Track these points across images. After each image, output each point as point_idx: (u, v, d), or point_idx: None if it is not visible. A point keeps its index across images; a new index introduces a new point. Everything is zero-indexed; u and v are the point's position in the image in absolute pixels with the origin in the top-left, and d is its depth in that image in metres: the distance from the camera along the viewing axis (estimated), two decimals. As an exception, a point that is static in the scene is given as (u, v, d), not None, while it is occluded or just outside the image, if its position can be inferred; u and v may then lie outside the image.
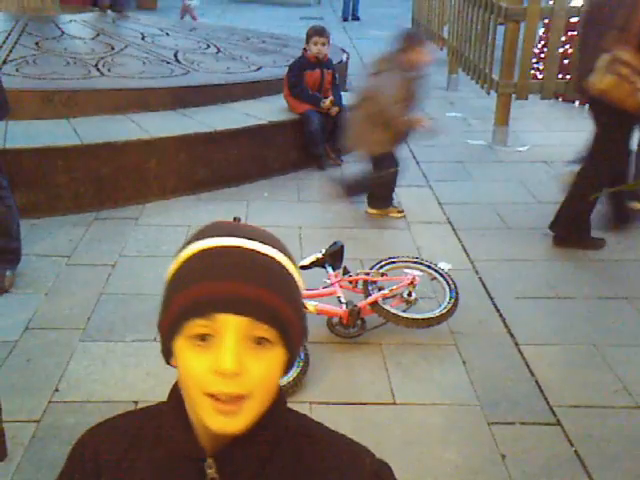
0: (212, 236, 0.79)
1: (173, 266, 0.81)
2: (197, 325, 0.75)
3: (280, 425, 0.84)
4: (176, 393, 0.84)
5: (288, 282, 0.80)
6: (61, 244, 3.80)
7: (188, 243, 0.81)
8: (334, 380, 2.74)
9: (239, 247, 0.77)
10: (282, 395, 0.85)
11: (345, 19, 12.85)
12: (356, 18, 12.85)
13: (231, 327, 0.75)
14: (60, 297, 3.27)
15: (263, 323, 0.75)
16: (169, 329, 0.78)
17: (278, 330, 0.77)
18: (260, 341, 0.76)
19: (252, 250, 0.78)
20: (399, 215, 4.32)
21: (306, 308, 2.91)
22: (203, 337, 0.76)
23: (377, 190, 4.31)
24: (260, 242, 0.79)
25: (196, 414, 0.79)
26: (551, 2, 5.65)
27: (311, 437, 0.87)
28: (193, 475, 0.81)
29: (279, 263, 0.79)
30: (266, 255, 0.78)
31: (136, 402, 2.54)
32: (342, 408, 2.58)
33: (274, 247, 0.80)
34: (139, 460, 0.85)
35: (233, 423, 0.77)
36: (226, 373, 0.74)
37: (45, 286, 3.36)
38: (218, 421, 0.76)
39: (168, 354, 0.81)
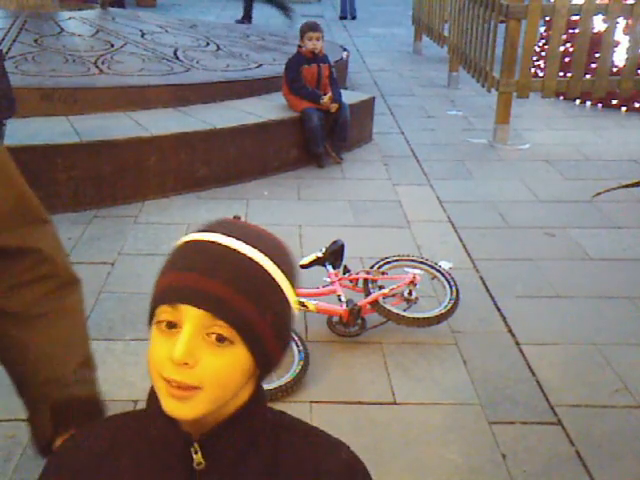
0: (205, 231, 0.81)
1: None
2: (164, 312, 0.78)
3: (259, 416, 0.87)
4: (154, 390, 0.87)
5: (264, 287, 0.79)
6: (60, 242, 3.78)
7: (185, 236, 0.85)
8: (334, 379, 2.73)
9: (219, 244, 0.79)
10: (262, 392, 0.88)
11: (343, 17, 12.80)
12: (353, 17, 12.79)
13: (190, 318, 0.77)
14: (59, 295, 3.26)
15: (222, 320, 0.77)
16: (149, 315, 0.82)
17: (237, 330, 0.77)
18: (220, 338, 0.77)
19: (231, 249, 0.79)
20: None
21: (306, 307, 2.90)
22: (171, 324, 0.78)
23: None
24: (246, 243, 0.79)
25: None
26: (552, 0, 5.63)
27: (289, 428, 0.90)
28: (179, 463, 0.83)
29: (261, 267, 0.79)
30: (246, 256, 0.79)
31: (135, 401, 2.53)
32: (342, 408, 2.57)
33: (264, 252, 0.80)
34: (122, 458, 0.87)
35: (184, 409, 0.79)
36: (175, 362, 0.77)
37: (44, 284, 3.35)
38: (169, 404, 0.80)
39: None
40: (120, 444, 0.88)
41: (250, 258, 0.79)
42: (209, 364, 0.77)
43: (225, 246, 0.79)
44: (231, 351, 0.78)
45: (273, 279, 0.80)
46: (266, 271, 0.79)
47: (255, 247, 0.80)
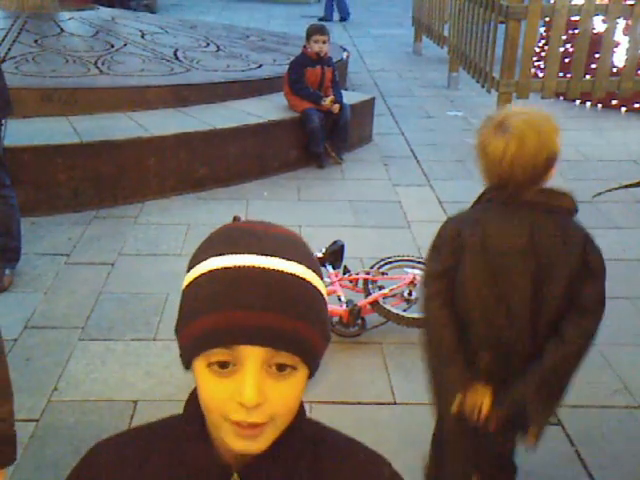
0: (234, 252, 0.75)
1: (192, 275, 0.78)
2: (217, 353, 0.75)
3: (301, 438, 0.84)
4: (193, 407, 0.82)
5: (313, 301, 0.77)
6: (60, 243, 3.79)
7: (206, 249, 0.78)
8: (334, 380, 2.73)
9: (262, 269, 0.74)
10: (302, 407, 0.84)
11: (342, 19, 12.77)
12: (344, 19, 12.66)
13: (252, 357, 0.74)
14: (59, 296, 3.27)
15: (285, 352, 0.74)
16: (189, 349, 0.78)
17: (301, 356, 0.76)
18: (282, 367, 0.75)
19: (275, 271, 0.74)
20: None
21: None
22: (223, 364, 0.75)
23: None
24: (283, 258, 0.75)
25: (218, 433, 0.79)
26: (552, 0, 5.64)
27: (330, 447, 0.87)
28: None
29: (303, 281, 0.76)
30: (290, 275, 0.75)
31: (135, 401, 2.53)
32: (342, 408, 2.57)
33: (298, 261, 0.76)
34: None
35: (255, 445, 0.78)
36: (247, 406, 0.74)
37: (44, 285, 3.35)
38: (240, 444, 0.77)
39: (187, 363, 0.80)
40: (153, 466, 0.84)
41: (294, 275, 0.75)
42: (277, 397, 0.75)
43: (270, 270, 0.74)
44: (293, 376, 0.76)
45: (317, 290, 0.78)
46: (309, 283, 0.76)
47: (291, 259, 0.76)
